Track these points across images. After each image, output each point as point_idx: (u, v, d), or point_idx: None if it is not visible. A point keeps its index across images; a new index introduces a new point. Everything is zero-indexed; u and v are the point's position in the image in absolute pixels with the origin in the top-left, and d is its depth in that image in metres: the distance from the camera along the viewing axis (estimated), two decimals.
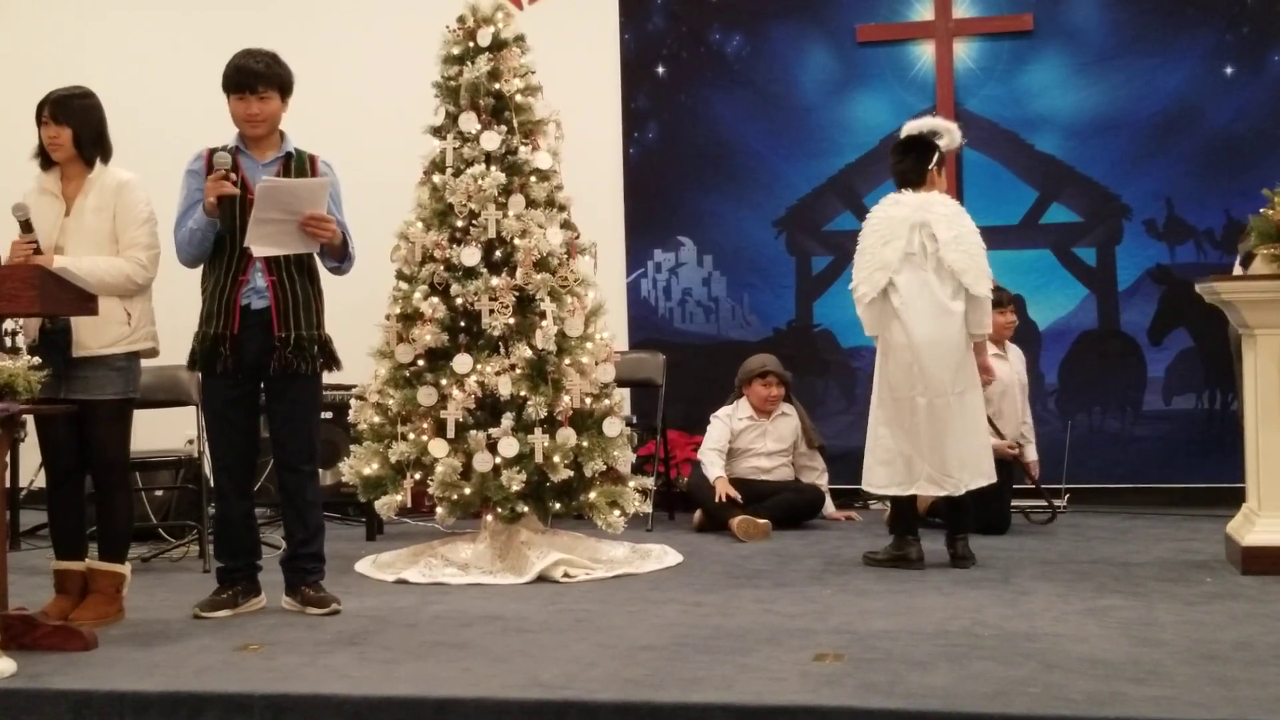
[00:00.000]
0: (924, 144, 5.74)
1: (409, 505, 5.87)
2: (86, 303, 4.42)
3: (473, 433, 5.60)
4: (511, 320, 5.66)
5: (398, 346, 5.75)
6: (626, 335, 7.77)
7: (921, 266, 5.59)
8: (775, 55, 7.76)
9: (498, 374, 5.62)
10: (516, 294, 5.69)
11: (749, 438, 7.01)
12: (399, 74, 7.29)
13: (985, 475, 5.69)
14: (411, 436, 5.67)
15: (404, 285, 5.81)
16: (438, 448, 5.60)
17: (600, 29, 7.88)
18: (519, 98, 5.87)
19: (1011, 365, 6.80)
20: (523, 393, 5.60)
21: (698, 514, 6.91)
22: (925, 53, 7.62)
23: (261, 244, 4.74)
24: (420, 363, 5.73)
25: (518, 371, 5.63)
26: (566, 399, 5.64)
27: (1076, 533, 6.51)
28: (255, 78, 4.86)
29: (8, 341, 5.16)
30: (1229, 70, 7.31)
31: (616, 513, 5.70)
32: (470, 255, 5.71)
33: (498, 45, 5.84)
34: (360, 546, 6.44)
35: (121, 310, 4.81)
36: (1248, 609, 4.68)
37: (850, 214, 7.56)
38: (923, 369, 5.55)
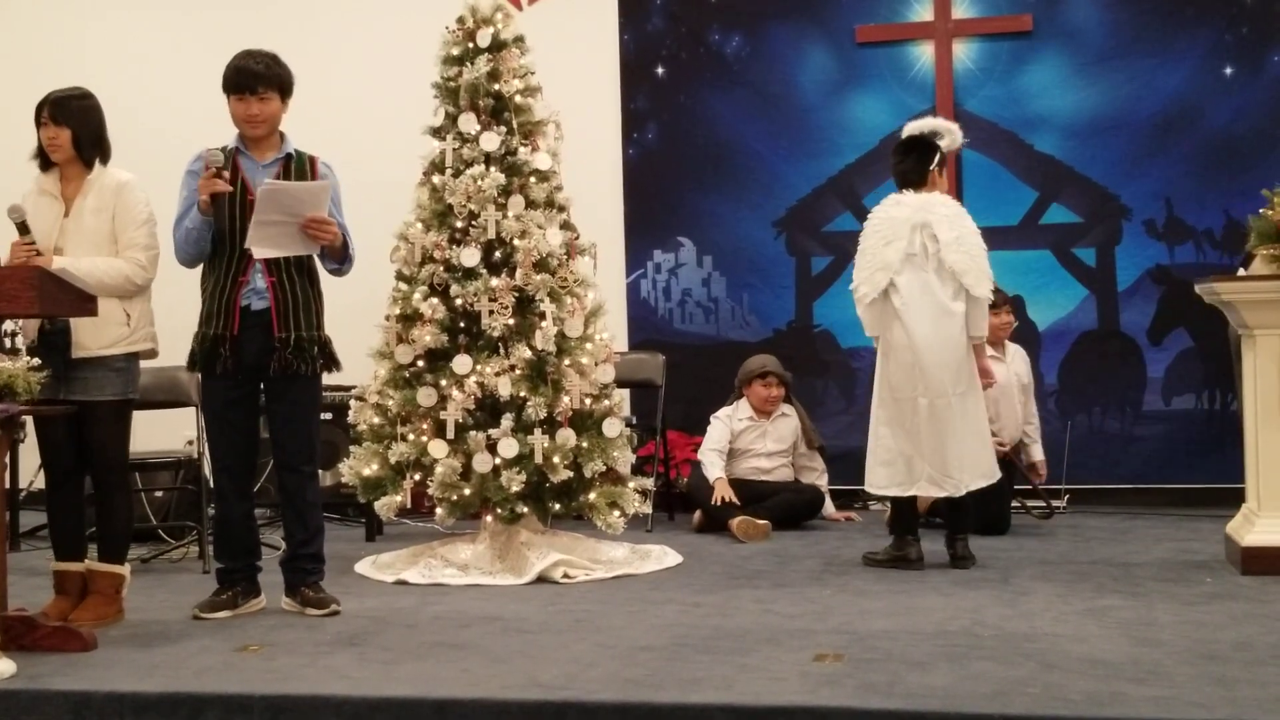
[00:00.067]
0: (925, 144, 5.75)
1: (409, 506, 5.87)
2: (86, 304, 4.42)
3: (472, 433, 5.60)
4: (511, 321, 5.66)
5: (397, 347, 5.75)
6: (626, 336, 7.77)
7: (922, 267, 5.59)
8: (775, 56, 7.76)
9: (497, 375, 5.62)
10: (516, 295, 5.69)
11: (749, 438, 7.01)
12: (399, 74, 7.29)
13: (986, 475, 5.69)
14: (411, 437, 5.67)
15: (404, 286, 5.81)
16: (437, 448, 5.60)
17: (600, 29, 7.88)
18: (518, 98, 5.87)
19: (1009, 366, 6.80)
20: (522, 393, 5.60)
21: (697, 514, 6.91)
22: (925, 53, 7.62)
23: (263, 246, 4.75)
24: (420, 363, 5.73)
25: (517, 372, 5.63)
26: (566, 400, 5.65)
27: (1076, 533, 6.51)
28: (255, 78, 4.86)
29: (7, 342, 5.17)
30: (1228, 70, 7.31)
31: (616, 513, 5.70)
32: (470, 256, 5.71)
33: (497, 46, 5.85)
34: (360, 547, 6.44)
35: (121, 311, 4.81)
36: (1247, 609, 4.68)
37: (850, 214, 7.56)
38: (924, 370, 5.55)
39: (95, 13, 8.40)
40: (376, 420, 5.79)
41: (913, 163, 5.72)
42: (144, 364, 5.02)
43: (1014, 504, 6.79)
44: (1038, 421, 7.01)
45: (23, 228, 4.77)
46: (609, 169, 7.85)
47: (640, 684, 3.83)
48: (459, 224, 5.76)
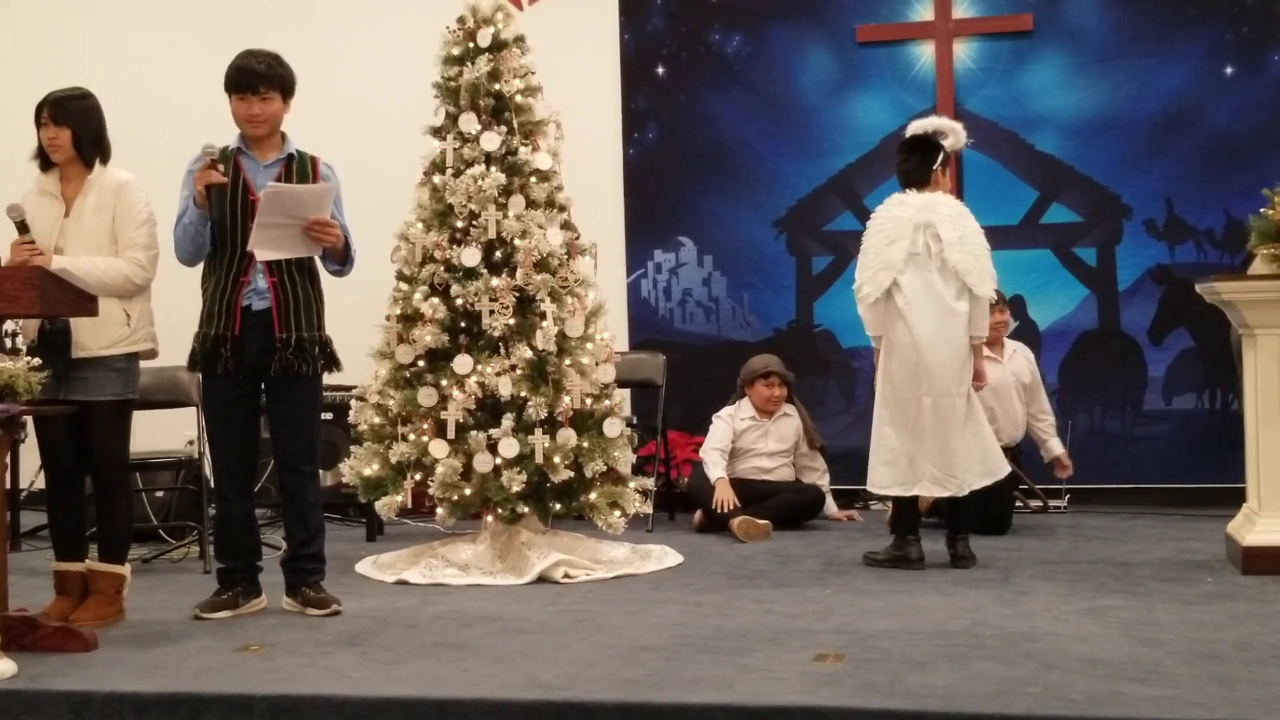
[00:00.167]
0: (929, 144, 5.74)
1: (409, 506, 5.88)
2: (86, 304, 4.42)
3: (473, 433, 5.60)
4: (512, 321, 5.66)
5: (398, 347, 5.75)
6: (627, 336, 7.77)
7: (925, 267, 5.59)
8: (775, 56, 7.76)
9: (498, 375, 5.62)
10: (517, 295, 5.69)
11: (751, 438, 7.01)
12: (399, 74, 7.29)
13: (990, 474, 5.69)
14: (412, 437, 5.67)
15: (404, 286, 5.81)
16: (438, 448, 5.60)
17: (600, 29, 7.88)
18: (519, 98, 5.87)
19: (1006, 366, 6.79)
20: (523, 393, 5.60)
21: (698, 514, 6.91)
22: (925, 53, 7.62)
23: (265, 248, 4.75)
24: (420, 363, 5.73)
25: (518, 372, 5.63)
26: (567, 400, 5.65)
27: (1076, 533, 6.51)
28: (257, 78, 4.86)
29: (7, 342, 5.16)
30: (1229, 70, 7.31)
31: (617, 513, 5.70)
32: (470, 256, 5.71)
33: (498, 46, 5.85)
34: (360, 547, 6.43)
35: (121, 311, 4.81)
36: (1248, 609, 4.68)
37: (850, 214, 7.57)
38: (927, 369, 5.55)
39: (95, 13, 8.40)
40: (377, 420, 5.79)
41: (916, 162, 5.72)
42: (144, 364, 5.02)
43: (1018, 505, 6.79)
44: (1052, 417, 6.99)
45: (22, 227, 4.78)
46: (609, 169, 7.85)
47: (641, 684, 3.83)
48: (459, 224, 5.76)
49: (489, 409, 5.68)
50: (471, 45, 5.86)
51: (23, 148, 5.02)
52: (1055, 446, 6.95)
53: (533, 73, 5.95)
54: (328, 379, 5.07)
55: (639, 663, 4.07)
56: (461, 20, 5.93)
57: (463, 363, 5.64)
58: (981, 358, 5.79)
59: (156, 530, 6.54)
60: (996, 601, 4.90)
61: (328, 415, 6.64)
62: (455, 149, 5.82)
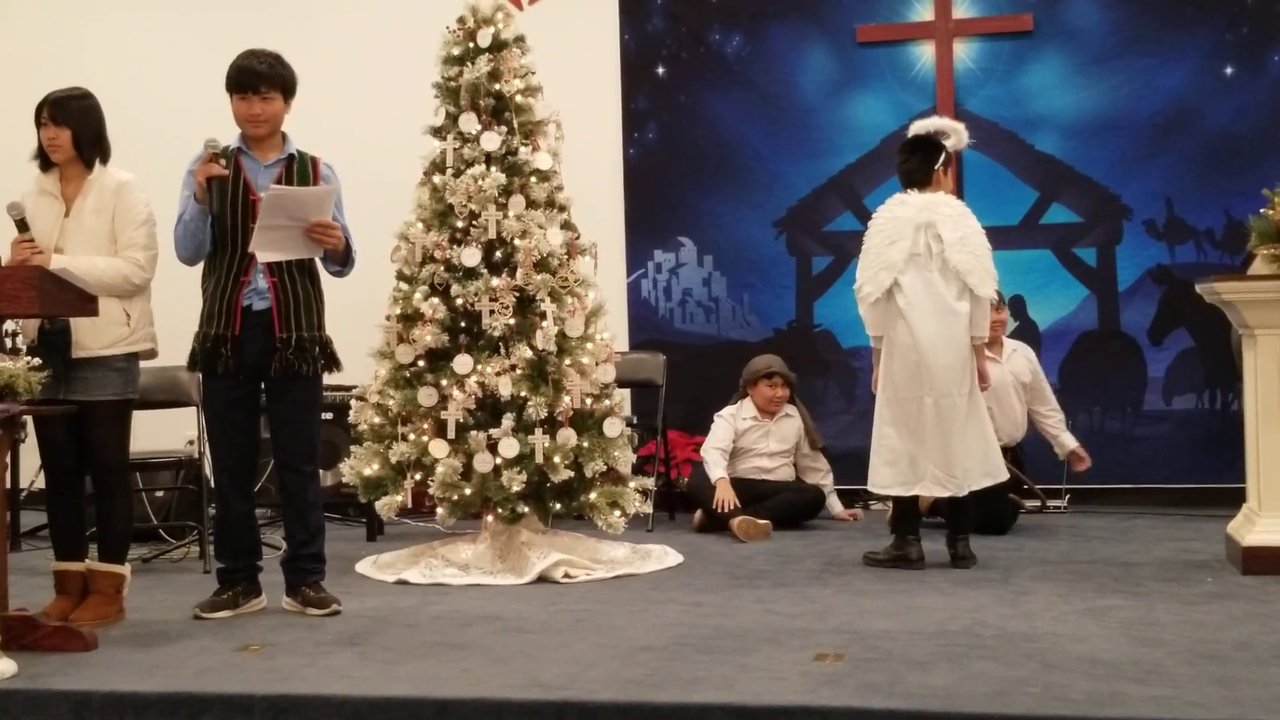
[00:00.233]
0: (931, 144, 5.74)
1: (409, 506, 5.88)
2: (86, 304, 4.42)
3: (473, 433, 5.61)
4: (512, 321, 5.66)
5: (398, 347, 5.75)
6: (627, 336, 7.77)
7: (926, 267, 5.59)
8: (775, 56, 7.76)
9: (498, 374, 5.62)
10: (517, 295, 5.69)
11: (752, 438, 7.01)
12: (399, 74, 7.29)
13: (991, 475, 5.69)
14: (412, 437, 5.67)
15: (404, 286, 5.81)
16: (438, 448, 5.60)
17: (600, 29, 7.88)
18: (519, 98, 5.87)
19: (1004, 365, 6.79)
20: (523, 393, 5.60)
21: (698, 514, 6.91)
22: (925, 53, 7.62)
23: (267, 250, 4.75)
24: (420, 363, 5.74)
25: (518, 372, 5.63)
26: (567, 399, 5.65)
27: (1077, 533, 6.51)
28: (258, 78, 4.86)
29: (8, 342, 5.16)
30: (1229, 70, 7.31)
31: (617, 513, 5.70)
32: (470, 256, 5.71)
33: (498, 46, 5.85)
34: (361, 547, 6.43)
35: (121, 311, 4.81)
36: (1248, 609, 4.68)
37: (850, 214, 7.57)
38: (929, 369, 5.55)
39: (95, 13, 8.40)
40: (377, 420, 5.79)
41: (918, 162, 5.72)
42: (144, 364, 5.02)
43: (1023, 507, 6.79)
44: (1060, 414, 6.95)
45: (22, 225, 4.78)
46: (609, 169, 7.85)
47: (641, 684, 3.83)
48: (460, 224, 5.76)
49: (489, 409, 5.68)
50: (471, 45, 5.86)
51: (23, 148, 5.02)
52: (1068, 441, 6.91)
53: (533, 73, 5.95)
54: (328, 379, 5.06)
55: (639, 663, 4.07)
56: (461, 20, 5.93)
57: (463, 363, 5.64)
58: (984, 359, 5.80)
59: (156, 530, 6.54)
60: (996, 601, 4.90)
61: (328, 415, 6.64)
62: (455, 149, 5.82)
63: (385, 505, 5.71)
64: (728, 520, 6.54)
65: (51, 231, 4.81)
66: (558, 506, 5.73)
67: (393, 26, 7.88)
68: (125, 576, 4.97)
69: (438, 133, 5.91)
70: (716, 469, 6.82)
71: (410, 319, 5.74)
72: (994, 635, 4.34)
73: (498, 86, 5.83)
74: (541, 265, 5.73)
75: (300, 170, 4.94)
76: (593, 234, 6.07)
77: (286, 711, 3.77)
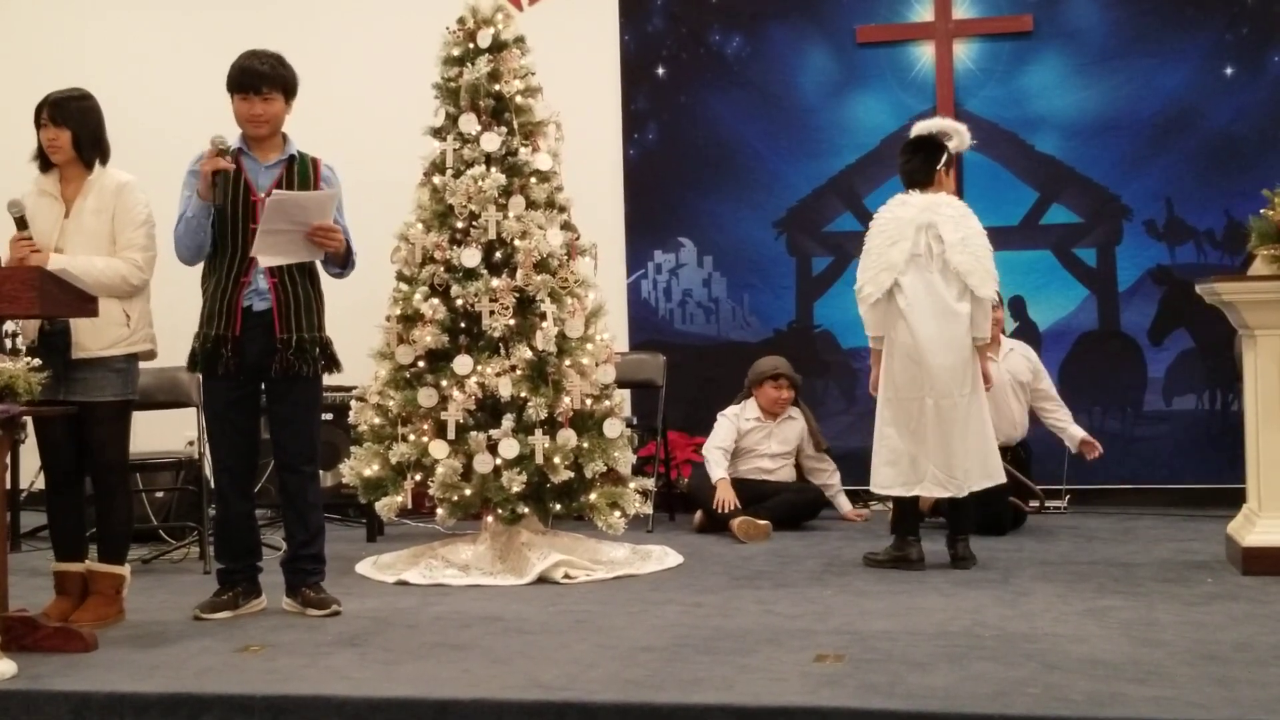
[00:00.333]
0: (933, 144, 5.74)
1: (409, 506, 5.88)
2: (86, 304, 4.42)
3: (473, 434, 5.60)
4: (512, 321, 5.66)
5: (398, 348, 5.75)
6: (627, 336, 7.77)
7: (927, 268, 5.59)
8: (775, 56, 7.77)
9: (498, 375, 5.62)
10: (517, 295, 5.69)
11: (755, 438, 7.01)
12: (399, 75, 7.29)
13: (991, 476, 5.69)
14: (412, 438, 5.67)
15: (404, 286, 5.81)
16: (438, 449, 5.60)
17: (600, 30, 7.88)
18: (519, 99, 5.88)
19: (1002, 365, 6.78)
20: (523, 394, 5.60)
21: (698, 514, 6.91)
22: (925, 54, 7.62)
23: (268, 254, 4.75)
24: (420, 364, 5.74)
25: (518, 373, 5.63)
26: (567, 400, 5.65)
27: (1077, 533, 6.51)
28: (259, 78, 4.86)
29: (7, 343, 5.16)
30: (1229, 70, 7.31)
31: (617, 514, 5.70)
32: (470, 257, 5.71)
33: (498, 46, 5.85)
34: (361, 548, 6.44)
35: (121, 312, 4.81)
36: (1248, 609, 4.68)
37: (850, 215, 7.57)
38: (929, 370, 5.55)
39: (95, 13, 8.40)
40: (377, 421, 5.79)
41: (920, 162, 5.72)
42: (144, 364, 5.02)
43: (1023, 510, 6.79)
44: (1065, 409, 6.91)
45: (21, 222, 4.78)
46: (609, 169, 7.85)
47: (641, 684, 3.83)
48: (459, 224, 5.76)
49: (489, 409, 5.68)
50: (471, 46, 5.86)
51: (23, 148, 5.02)
52: (1077, 432, 6.86)
53: (533, 73, 5.95)
54: (328, 379, 5.06)
55: (639, 663, 4.07)
56: (461, 21, 5.93)
57: (463, 363, 5.64)
58: (986, 360, 5.79)
59: (156, 531, 6.54)
60: (996, 602, 4.90)
61: (328, 416, 6.64)
62: (455, 150, 5.82)
63: (385, 506, 5.71)
64: (728, 521, 6.54)
65: (51, 232, 4.81)
66: (558, 507, 5.73)
67: (393, 27, 7.88)
68: (125, 577, 4.97)
69: (438, 133, 5.91)
70: (718, 469, 6.82)
71: (410, 320, 5.74)
72: (994, 636, 4.34)
73: (498, 87, 5.83)
74: (541, 266, 5.73)
75: (301, 171, 4.94)
76: (593, 234, 6.07)
77: (286, 712, 3.77)
